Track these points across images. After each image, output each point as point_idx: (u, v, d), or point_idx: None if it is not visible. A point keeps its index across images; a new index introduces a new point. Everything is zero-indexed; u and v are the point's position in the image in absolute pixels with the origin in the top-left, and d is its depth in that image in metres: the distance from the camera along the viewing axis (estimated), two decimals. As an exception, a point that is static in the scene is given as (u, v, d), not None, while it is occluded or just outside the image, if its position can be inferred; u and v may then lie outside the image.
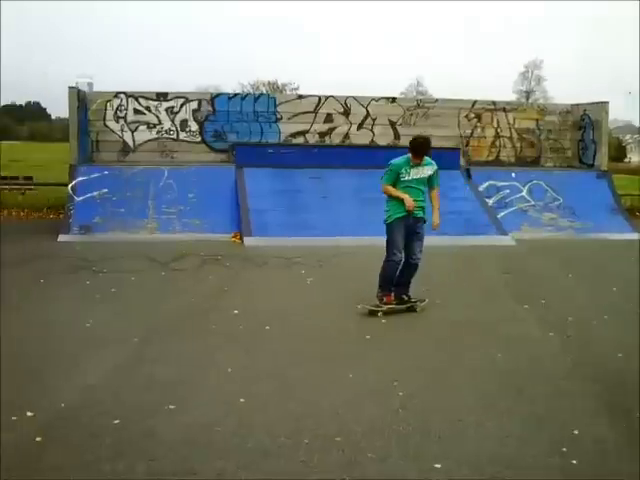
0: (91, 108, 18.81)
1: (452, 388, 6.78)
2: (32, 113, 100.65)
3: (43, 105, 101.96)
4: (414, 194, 9.38)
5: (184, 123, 19.35)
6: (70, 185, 17.05)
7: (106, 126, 19.04)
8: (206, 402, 6.32)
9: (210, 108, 19.36)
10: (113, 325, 8.81)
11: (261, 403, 6.31)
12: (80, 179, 17.17)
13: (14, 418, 5.85)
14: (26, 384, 6.73)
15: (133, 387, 6.69)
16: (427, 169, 9.46)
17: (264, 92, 33.68)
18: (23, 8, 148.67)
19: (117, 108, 19.00)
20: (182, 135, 19.35)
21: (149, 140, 19.28)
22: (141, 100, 19.15)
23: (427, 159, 9.48)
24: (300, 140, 19.68)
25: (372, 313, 9.36)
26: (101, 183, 17.06)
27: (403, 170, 9.33)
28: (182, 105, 19.27)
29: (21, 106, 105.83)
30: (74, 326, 8.73)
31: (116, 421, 5.80)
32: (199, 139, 19.45)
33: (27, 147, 60.90)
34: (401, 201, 9.30)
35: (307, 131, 19.82)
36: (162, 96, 19.28)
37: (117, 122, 19.06)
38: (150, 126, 19.20)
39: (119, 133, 19.11)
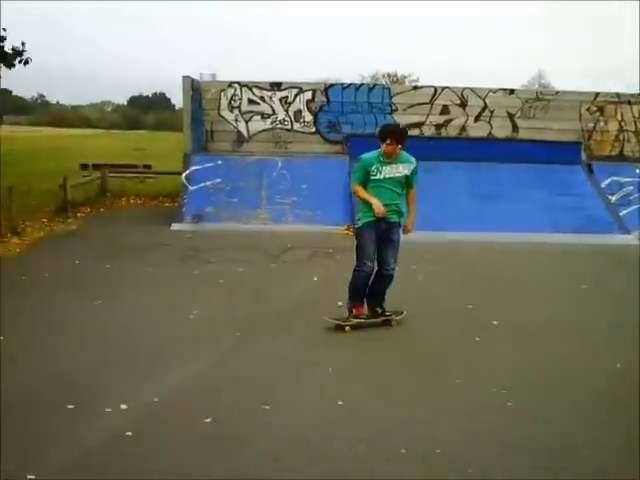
0: (206, 98, 18.96)
1: (564, 399, 6.35)
2: (158, 103, 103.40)
3: (168, 95, 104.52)
4: (387, 196, 8.13)
5: (298, 113, 19.22)
6: (184, 174, 17.20)
7: (220, 116, 19.12)
8: (302, 403, 6.13)
9: (324, 99, 19.15)
10: (217, 317, 8.74)
11: (359, 407, 6.06)
12: (194, 168, 17.31)
13: (108, 410, 5.82)
14: (123, 375, 6.71)
15: (229, 384, 6.56)
16: (403, 167, 8.17)
17: (383, 84, 33.16)
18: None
19: (231, 98, 19.05)
20: (296, 126, 19.23)
21: (263, 130, 19.23)
22: (255, 90, 19.13)
23: (404, 155, 8.21)
24: (415, 132, 19.20)
25: (339, 328, 8.29)
26: (214, 173, 17.17)
27: (373, 167, 8.06)
28: (296, 95, 19.13)
29: (148, 97, 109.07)
30: (178, 317, 8.71)
31: (207, 419, 5.66)
32: (313, 130, 19.28)
33: (152, 136, 62.38)
34: (371, 204, 8.12)
35: (423, 123, 19.36)
36: (276, 86, 19.19)
37: (231, 112, 19.11)
38: (264, 116, 19.15)
39: (233, 123, 19.15)
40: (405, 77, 52.05)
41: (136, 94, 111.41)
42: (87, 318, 8.60)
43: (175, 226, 15.69)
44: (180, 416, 5.76)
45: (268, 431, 5.51)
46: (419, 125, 19.33)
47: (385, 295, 8.52)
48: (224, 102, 19.10)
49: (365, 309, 8.51)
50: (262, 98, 19.14)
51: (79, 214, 17.25)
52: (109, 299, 9.46)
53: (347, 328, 8.25)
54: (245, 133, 19.20)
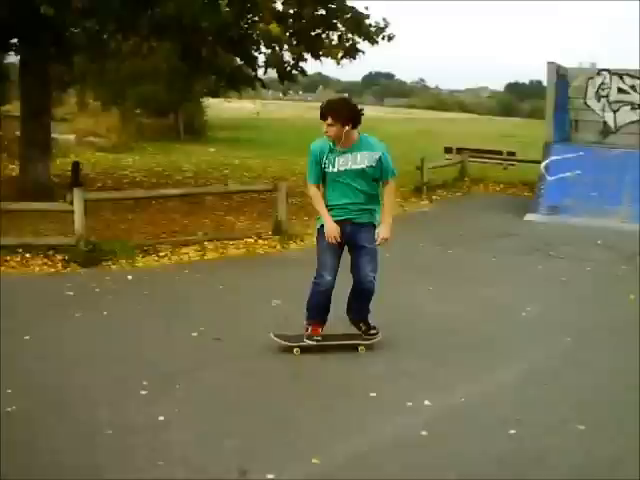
0: (572, 85, 18.14)
1: None
2: (534, 91, 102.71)
3: (544, 84, 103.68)
4: (346, 195, 6.41)
5: (672, 105, 17.71)
6: (543, 164, 16.72)
7: (586, 105, 18.12)
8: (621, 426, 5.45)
9: None
10: (549, 318, 8.29)
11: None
12: (553, 158, 16.72)
13: (409, 404, 5.68)
14: (437, 368, 6.58)
15: (546, 394, 6.07)
16: (363, 157, 6.34)
17: None
18: None
19: (599, 86, 18.03)
20: (670, 118, 17.72)
21: (632, 122, 17.93)
22: (626, 78, 17.85)
23: (364, 140, 6.42)
24: None
25: (288, 349, 6.67)
26: (575, 164, 16.40)
27: (325, 159, 6.34)
28: (672, 85, 17.65)
29: (524, 84, 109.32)
30: (510, 312, 8.46)
31: (512, 431, 5.25)
32: (690, 122, 17.65)
33: (525, 123, 61.73)
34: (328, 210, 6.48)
35: None
36: (650, 75, 17.85)
37: (598, 101, 18.05)
38: (634, 107, 17.89)
39: (600, 113, 18.08)
40: None
41: (513, 81, 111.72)
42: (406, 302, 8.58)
43: (529, 216, 15.38)
44: (483, 423, 5.46)
45: (575, 452, 5.02)
46: None
47: (369, 307, 6.84)
48: (591, 90, 18.05)
49: (322, 329, 6.82)
50: (633, 87, 17.81)
51: (434, 196, 17.53)
52: (441, 284, 9.47)
53: (296, 350, 6.68)
54: (612, 124, 18.04)
